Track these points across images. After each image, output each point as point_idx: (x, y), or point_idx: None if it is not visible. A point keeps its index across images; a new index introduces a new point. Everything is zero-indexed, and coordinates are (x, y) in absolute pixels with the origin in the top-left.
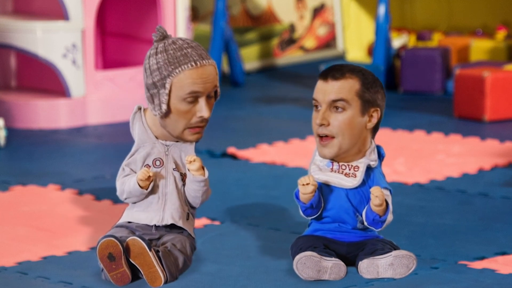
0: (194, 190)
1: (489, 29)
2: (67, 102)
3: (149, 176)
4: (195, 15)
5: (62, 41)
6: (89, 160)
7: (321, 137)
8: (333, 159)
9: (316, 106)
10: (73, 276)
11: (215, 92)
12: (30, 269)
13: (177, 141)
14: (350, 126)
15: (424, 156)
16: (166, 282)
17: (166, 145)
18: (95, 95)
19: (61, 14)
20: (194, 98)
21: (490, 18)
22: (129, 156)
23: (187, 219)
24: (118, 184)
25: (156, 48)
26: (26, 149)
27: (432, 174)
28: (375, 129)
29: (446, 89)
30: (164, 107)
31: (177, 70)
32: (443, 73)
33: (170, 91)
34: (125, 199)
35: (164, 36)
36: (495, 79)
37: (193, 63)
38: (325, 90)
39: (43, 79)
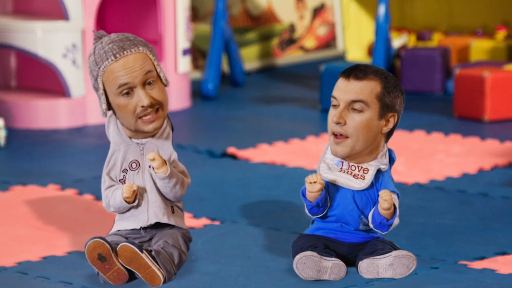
0: (161, 186)
1: (489, 29)
2: (67, 102)
3: (134, 191)
4: (195, 15)
5: (62, 41)
6: (89, 160)
7: (335, 135)
8: (343, 159)
9: (334, 104)
10: (73, 276)
11: (159, 77)
12: (30, 269)
13: (152, 137)
14: (366, 128)
15: (424, 156)
16: (165, 280)
17: (141, 144)
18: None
19: (61, 14)
20: (128, 89)
21: (490, 18)
22: (107, 162)
23: (173, 212)
24: (103, 196)
25: (90, 52)
26: (26, 149)
27: (432, 174)
28: (389, 134)
29: (446, 89)
30: (104, 106)
31: (101, 69)
32: (443, 73)
33: (104, 90)
34: (112, 211)
35: (99, 37)
36: (495, 79)
37: (112, 57)
38: (346, 89)
39: (43, 79)
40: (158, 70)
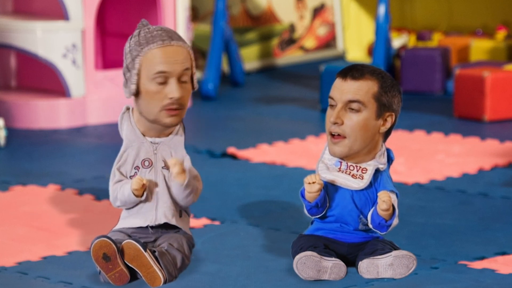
0: (175, 193)
1: (489, 29)
2: (67, 102)
3: (143, 184)
4: (195, 15)
5: (62, 41)
6: (89, 160)
7: (333, 135)
8: (342, 159)
9: (332, 104)
10: (73, 276)
11: (192, 79)
12: (30, 269)
13: (166, 137)
14: (363, 128)
15: (424, 156)
16: (165, 281)
17: (154, 143)
18: (95, 95)
19: (61, 14)
20: (163, 78)
21: (490, 18)
22: (118, 158)
23: (180, 216)
24: (111, 190)
25: (132, 34)
26: (26, 149)
27: (432, 174)
28: (387, 133)
29: (446, 89)
30: (133, 87)
31: (144, 49)
32: (443, 73)
33: (139, 72)
34: (118, 206)
35: (144, 25)
36: (495, 79)
37: (160, 42)
38: (343, 89)
39: (43, 79)
40: (193, 71)
